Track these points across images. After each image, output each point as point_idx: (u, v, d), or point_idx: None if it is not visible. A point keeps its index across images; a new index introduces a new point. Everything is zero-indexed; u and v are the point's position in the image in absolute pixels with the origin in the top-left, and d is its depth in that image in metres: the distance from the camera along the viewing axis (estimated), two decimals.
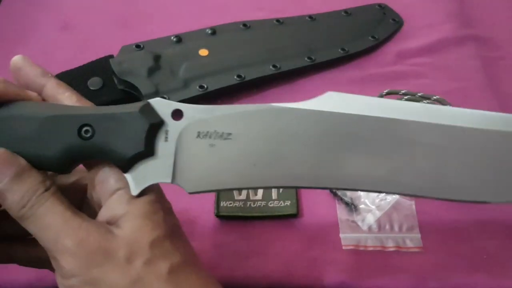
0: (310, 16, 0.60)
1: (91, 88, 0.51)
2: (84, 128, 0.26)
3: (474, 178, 0.27)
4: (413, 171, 0.26)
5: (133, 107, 0.26)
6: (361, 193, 0.43)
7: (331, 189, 0.43)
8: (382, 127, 0.26)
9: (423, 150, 0.26)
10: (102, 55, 0.53)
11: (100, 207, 0.26)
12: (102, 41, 0.58)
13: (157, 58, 0.51)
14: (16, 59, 0.28)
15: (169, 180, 0.26)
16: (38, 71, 0.28)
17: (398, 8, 0.63)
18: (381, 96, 0.49)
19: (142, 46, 0.53)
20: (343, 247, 0.40)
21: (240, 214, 0.43)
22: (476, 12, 0.62)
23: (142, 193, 0.26)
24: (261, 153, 0.26)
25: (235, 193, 0.44)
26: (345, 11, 0.61)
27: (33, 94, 0.27)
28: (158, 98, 0.27)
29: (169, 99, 0.48)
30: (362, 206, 0.43)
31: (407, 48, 0.58)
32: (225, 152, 0.26)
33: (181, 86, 0.50)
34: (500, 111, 0.50)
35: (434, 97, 0.46)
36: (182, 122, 0.26)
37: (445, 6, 0.62)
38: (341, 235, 0.41)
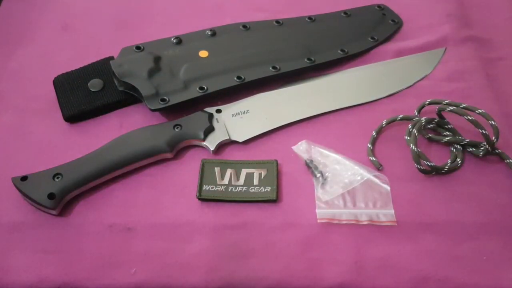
0: (310, 17, 0.60)
1: (92, 90, 0.51)
2: (176, 126, 0.47)
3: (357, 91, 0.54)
4: (328, 98, 0.53)
5: (197, 113, 0.49)
6: (333, 167, 0.46)
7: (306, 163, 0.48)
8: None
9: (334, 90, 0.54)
10: (102, 57, 0.54)
11: None
12: (102, 42, 0.58)
13: (157, 59, 0.52)
14: None
15: (227, 137, 0.48)
16: None
17: (397, 9, 0.63)
18: (423, 106, 0.50)
19: (142, 47, 0.53)
20: (318, 221, 0.43)
21: (221, 198, 0.44)
22: (476, 13, 0.63)
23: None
24: (263, 114, 0.51)
25: (218, 177, 0.45)
26: (345, 12, 0.61)
27: None
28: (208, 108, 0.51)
29: (169, 100, 0.49)
30: (328, 174, 0.45)
31: (406, 48, 0.58)
32: (247, 118, 0.50)
33: (181, 87, 0.50)
34: (500, 111, 0.51)
35: (478, 111, 0.46)
36: (222, 113, 0.50)
37: (445, 7, 0.62)
38: (316, 210, 0.43)
